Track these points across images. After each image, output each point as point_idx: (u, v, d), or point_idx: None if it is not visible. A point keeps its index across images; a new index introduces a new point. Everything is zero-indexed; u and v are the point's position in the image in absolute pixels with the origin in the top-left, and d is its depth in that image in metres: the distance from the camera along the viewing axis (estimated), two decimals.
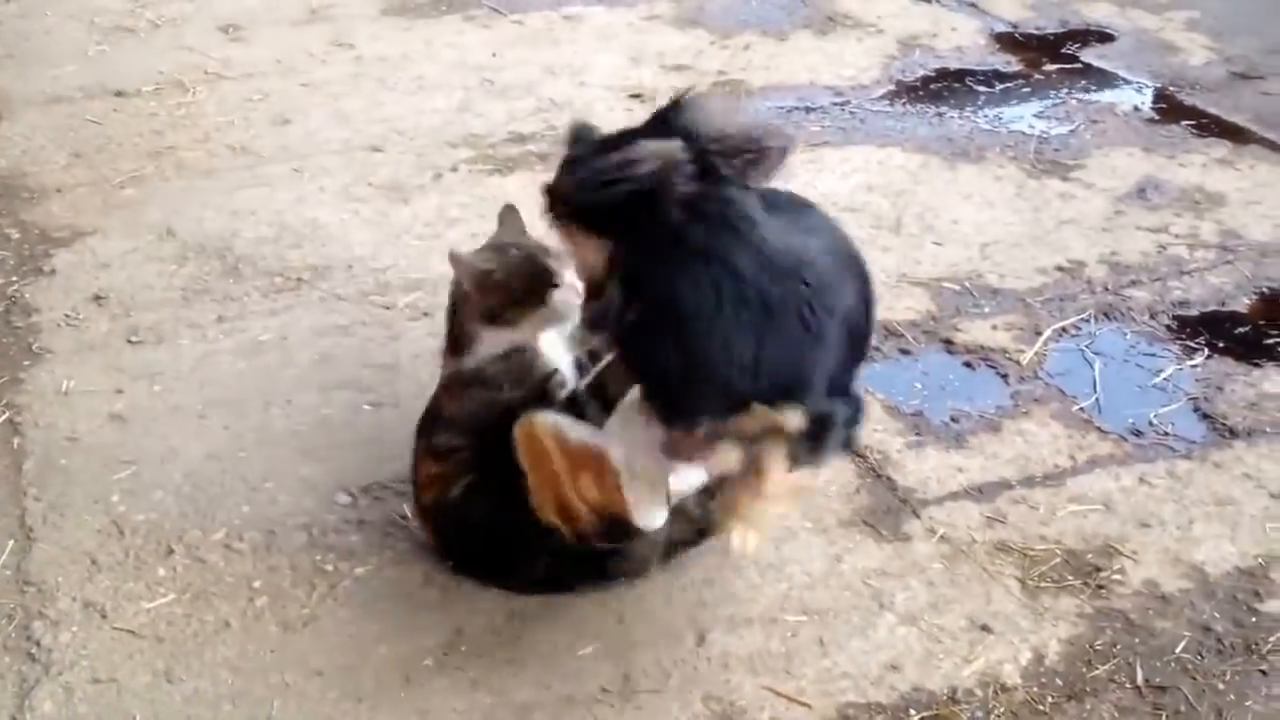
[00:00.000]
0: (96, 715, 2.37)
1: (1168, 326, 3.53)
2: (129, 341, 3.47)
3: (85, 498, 2.91)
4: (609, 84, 5.13)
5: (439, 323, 3.55)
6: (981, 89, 5.15)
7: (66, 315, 3.59)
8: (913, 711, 2.35)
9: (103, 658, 2.50)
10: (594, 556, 2.50)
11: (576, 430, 2.32)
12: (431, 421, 2.71)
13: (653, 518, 2.35)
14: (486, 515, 2.57)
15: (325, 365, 3.36)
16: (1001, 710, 2.35)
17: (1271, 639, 2.50)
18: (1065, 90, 5.13)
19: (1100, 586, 2.64)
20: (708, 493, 2.45)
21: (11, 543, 2.77)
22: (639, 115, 4.91)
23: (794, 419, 2.12)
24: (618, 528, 2.34)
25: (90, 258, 3.86)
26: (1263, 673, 2.43)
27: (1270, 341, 3.46)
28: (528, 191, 4.28)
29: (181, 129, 4.68)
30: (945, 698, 2.38)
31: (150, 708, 2.39)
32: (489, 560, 2.62)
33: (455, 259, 2.68)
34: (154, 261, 3.83)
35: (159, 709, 2.39)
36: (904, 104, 5.01)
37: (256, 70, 5.16)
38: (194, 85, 5.00)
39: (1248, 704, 2.37)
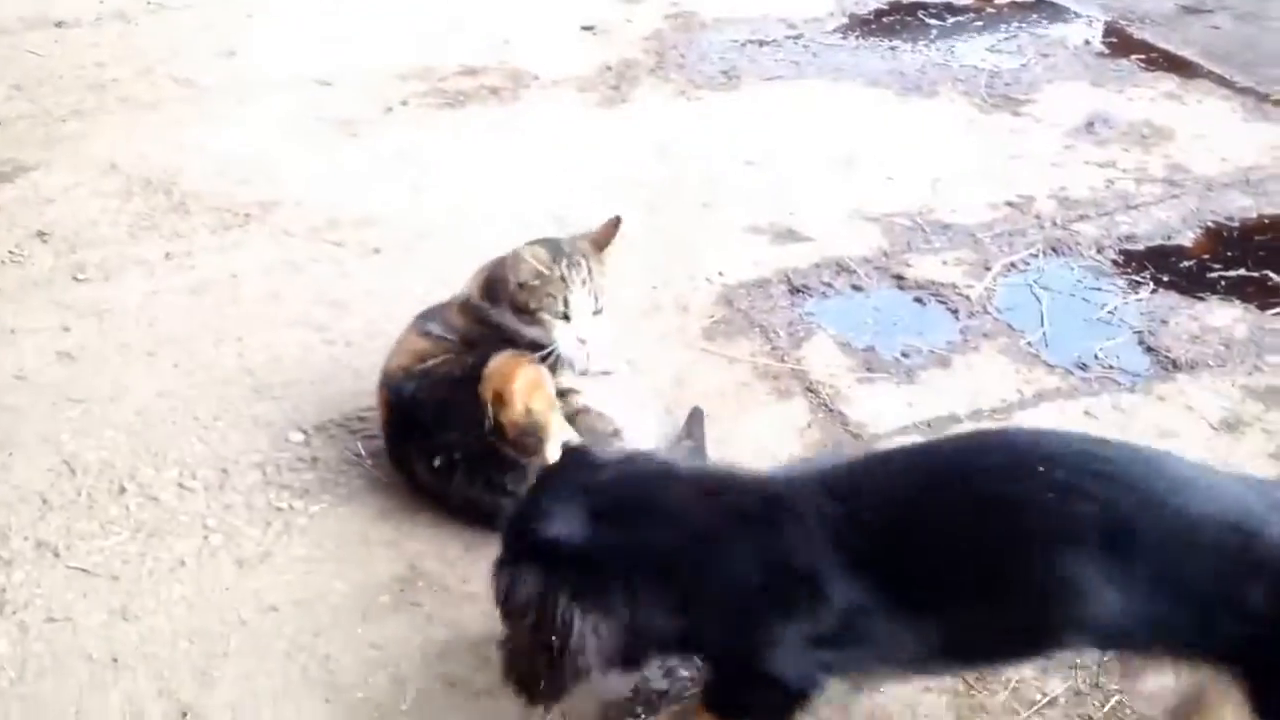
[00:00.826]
0: (52, 653, 2.35)
1: (1114, 261, 3.55)
2: (75, 279, 3.38)
3: (34, 436, 2.85)
4: (562, 16, 5.04)
5: (391, 259, 3.52)
6: (934, 22, 5.11)
7: (10, 252, 3.49)
8: None
9: (57, 596, 2.46)
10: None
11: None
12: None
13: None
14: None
15: (276, 302, 3.30)
16: None
17: None
18: (1017, 23, 5.10)
19: None
20: None
21: None
22: (591, 47, 4.85)
23: None
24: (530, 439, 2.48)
25: (33, 193, 3.75)
26: None
27: (1214, 275, 3.50)
28: (477, 125, 4.24)
29: (124, 61, 4.54)
30: None
31: (106, 645, 2.37)
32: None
33: None
34: (98, 197, 3.73)
35: (115, 646, 2.36)
36: (857, 37, 4.96)
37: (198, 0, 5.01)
38: (136, 16, 4.85)
39: None
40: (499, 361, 2.58)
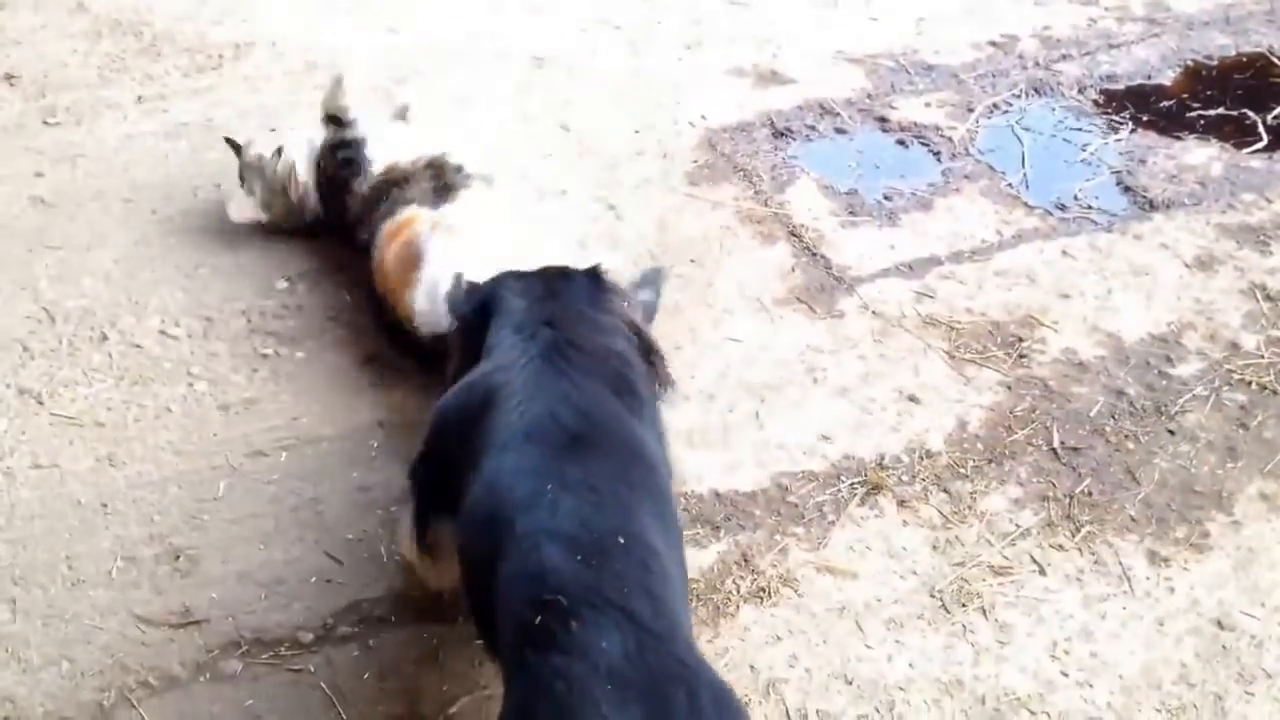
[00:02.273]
0: (40, 499, 2.24)
1: (1095, 101, 3.35)
2: (46, 123, 3.13)
3: (11, 284, 2.67)
4: None
5: (370, 103, 3.27)
6: None
7: None
8: (843, 478, 2.30)
9: (43, 443, 2.34)
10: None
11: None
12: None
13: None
14: None
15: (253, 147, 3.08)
16: (926, 474, 2.31)
17: (1180, 400, 2.47)
18: None
19: (1022, 356, 2.57)
20: None
21: None
22: None
23: None
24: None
25: None
26: (1171, 432, 2.41)
27: (1192, 115, 3.31)
28: None
29: None
30: (874, 464, 2.32)
31: (95, 490, 2.26)
32: None
33: None
34: (67, 38, 3.43)
35: (104, 491, 2.25)
36: None
37: None
38: None
39: (1155, 461, 2.35)
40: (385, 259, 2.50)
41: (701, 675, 1.45)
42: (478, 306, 2.02)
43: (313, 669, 1.98)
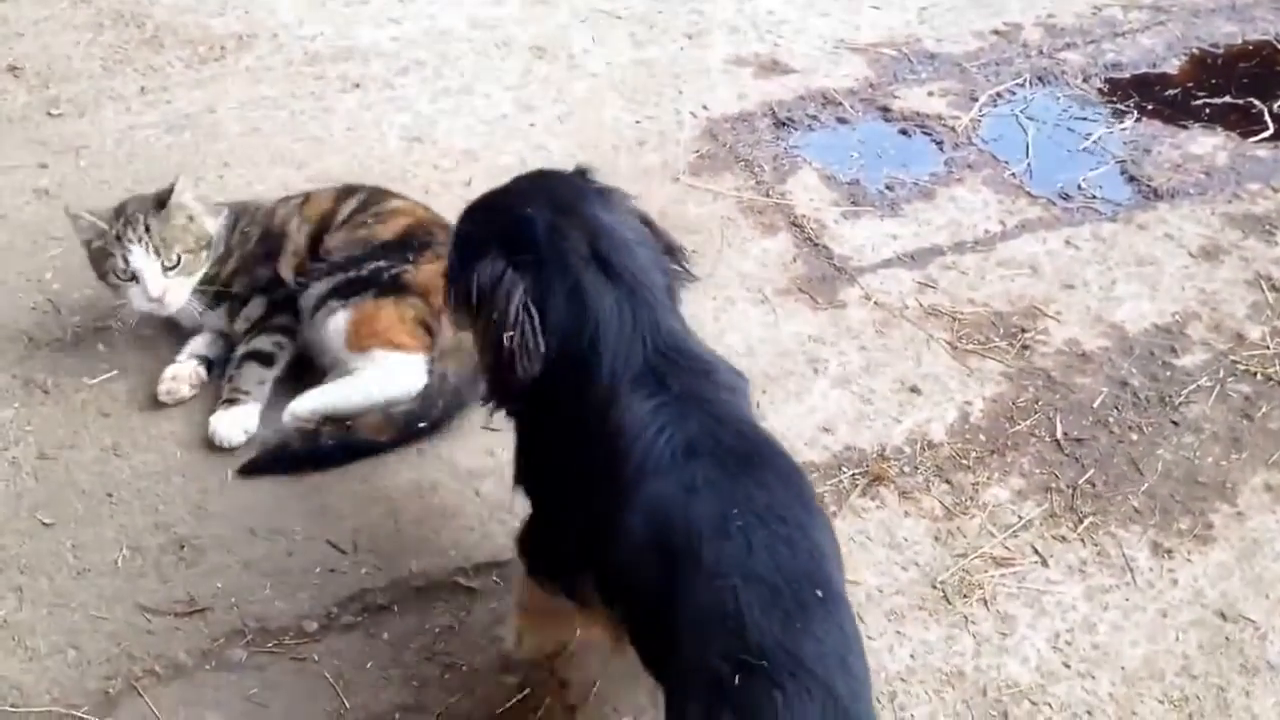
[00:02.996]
0: (46, 489, 2.24)
1: (1100, 90, 3.34)
2: (49, 114, 3.14)
3: (17, 275, 2.68)
4: None
5: (371, 94, 3.28)
6: None
7: None
8: (844, 469, 2.30)
9: (48, 433, 2.35)
10: None
11: None
12: None
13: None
14: None
15: (255, 138, 3.07)
16: (928, 465, 2.31)
17: (1184, 391, 2.46)
18: None
19: (1025, 347, 2.56)
20: None
21: None
22: None
23: None
24: None
25: (2, 26, 3.45)
26: (1175, 423, 2.40)
27: (1197, 103, 3.30)
28: None
29: None
30: (875, 455, 2.32)
31: (100, 480, 2.26)
32: None
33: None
34: (69, 30, 3.43)
35: (108, 481, 2.26)
36: None
37: None
38: None
39: (1159, 452, 2.35)
40: None
41: None
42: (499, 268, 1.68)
43: (316, 658, 1.99)
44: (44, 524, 2.19)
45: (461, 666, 1.98)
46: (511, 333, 1.62)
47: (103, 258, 2.38)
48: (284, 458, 2.29)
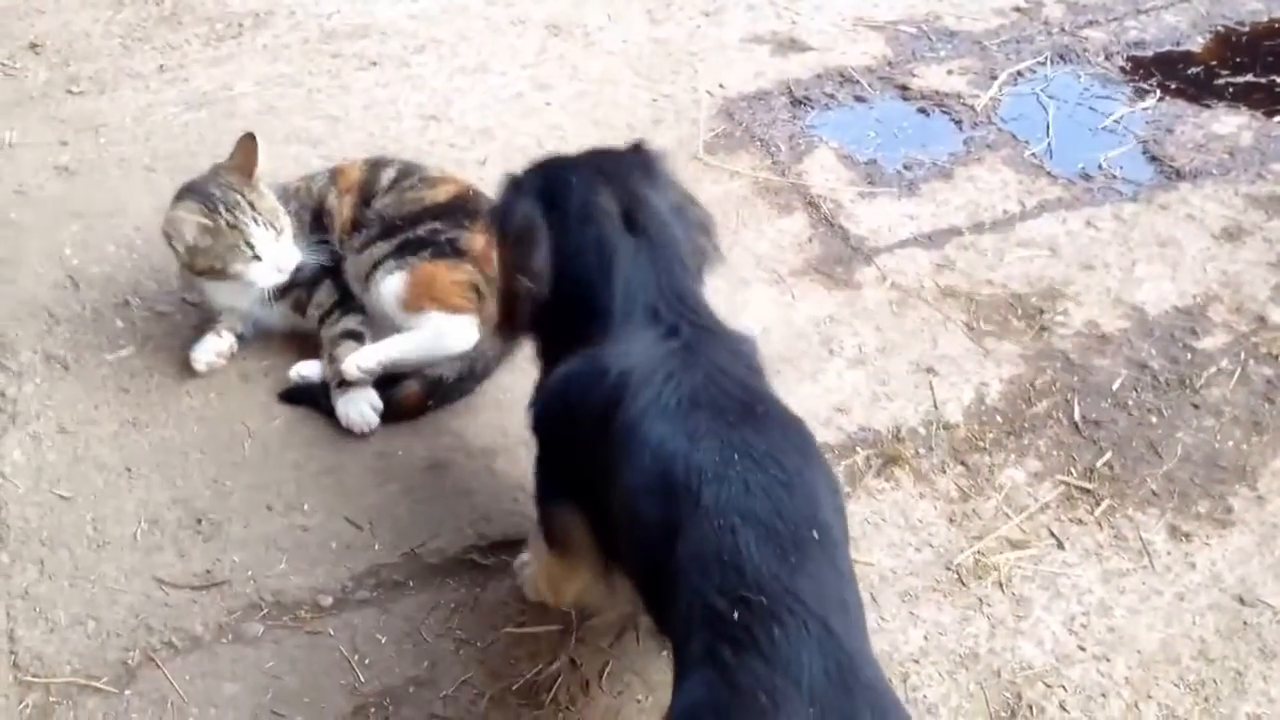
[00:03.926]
0: (66, 462, 2.26)
1: (1122, 68, 3.29)
2: (69, 92, 3.14)
3: (37, 251, 2.69)
4: None
5: (388, 72, 3.27)
6: None
7: (3, 64, 3.23)
8: (860, 450, 2.28)
9: (68, 408, 2.36)
10: None
11: None
12: None
13: None
14: None
15: (272, 116, 3.06)
16: (944, 446, 2.29)
17: (1205, 374, 2.43)
18: None
19: (1043, 328, 2.54)
20: None
21: None
22: None
23: None
24: None
25: (23, 3, 3.45)
26: (1195, 406, 2.37)
27: (1221, 82, 3.25)
28: None
29: None
30: (891, 436, 2.31)
31: (119, 454, 2.28)
32: None
33: None
34: (89, 8, 3.43)
35: (128, 455, 2.27)
36: None
37: None
38: None
39: (1178, 435, 2.32)
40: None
41: (891, 703, 1.41)
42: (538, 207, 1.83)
43: (332, 632, 2.00)
44: (64, 498, 2.21)
45: (475, 643, 1.98)
46: (524, 273, 1.80)
47: (223, 249, 2.33)
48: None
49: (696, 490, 1.52)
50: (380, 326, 2.44)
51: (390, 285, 2.37)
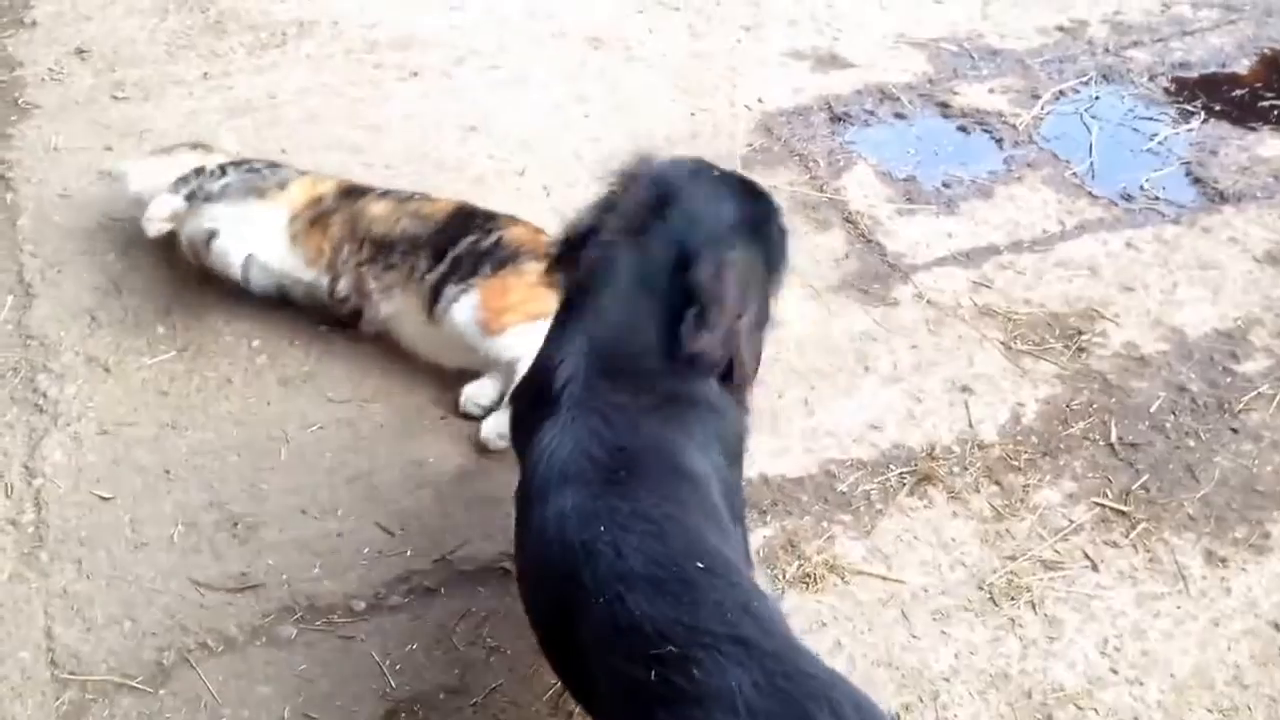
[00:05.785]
0: (106, 463, 2.33)
1: (1166, 89, 3.30)
2: (114, 97, 3.23)
3: (81, 255, 2.77)
4: None
5: (429, 82, 3.34)
6: None
7: (50, 69, 3.33)
8: (893, 467, 2.31)
9: (109, 410, 2.43)
10: None
11: None
12: None
13: None
14: None
15: (314, 125, 3.14)
16: (978, 465, 2.31)
17: (1245, 398, 2.44)
18: None
19: (1081, 349, 2.55)
20: None
21: (11, 298, 2.65)
22: None
23: None
24: None
25: (70, 9, 3.55)
26: (1234, 430, 2.38)
27: (1266, 104, 3.25)
28: None
29: None
30: (924, 454, 2.33)
31: (158, 457, 2.34)
32: None
33: None
34: (135, 14, 3.53)
35: (166, 458, 2.34)
36: None
37: None
38: None
39: (1216, 459, 2.33)
40: None
41: (837, 686, 1.42)
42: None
43: (364, 637, 2.05)
44: (103, 498, 2.27)
45: (506, 651, 2.02)
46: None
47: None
48: None
49: (576, 573, 1.54)
50: (466, 356, 2.39)
51: (462, 310, 2.34)
